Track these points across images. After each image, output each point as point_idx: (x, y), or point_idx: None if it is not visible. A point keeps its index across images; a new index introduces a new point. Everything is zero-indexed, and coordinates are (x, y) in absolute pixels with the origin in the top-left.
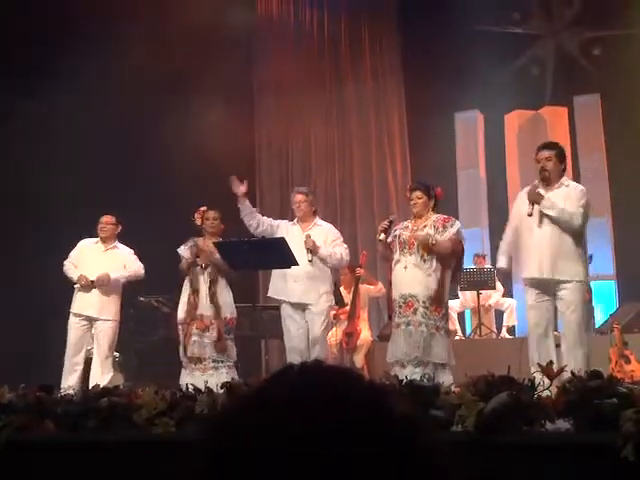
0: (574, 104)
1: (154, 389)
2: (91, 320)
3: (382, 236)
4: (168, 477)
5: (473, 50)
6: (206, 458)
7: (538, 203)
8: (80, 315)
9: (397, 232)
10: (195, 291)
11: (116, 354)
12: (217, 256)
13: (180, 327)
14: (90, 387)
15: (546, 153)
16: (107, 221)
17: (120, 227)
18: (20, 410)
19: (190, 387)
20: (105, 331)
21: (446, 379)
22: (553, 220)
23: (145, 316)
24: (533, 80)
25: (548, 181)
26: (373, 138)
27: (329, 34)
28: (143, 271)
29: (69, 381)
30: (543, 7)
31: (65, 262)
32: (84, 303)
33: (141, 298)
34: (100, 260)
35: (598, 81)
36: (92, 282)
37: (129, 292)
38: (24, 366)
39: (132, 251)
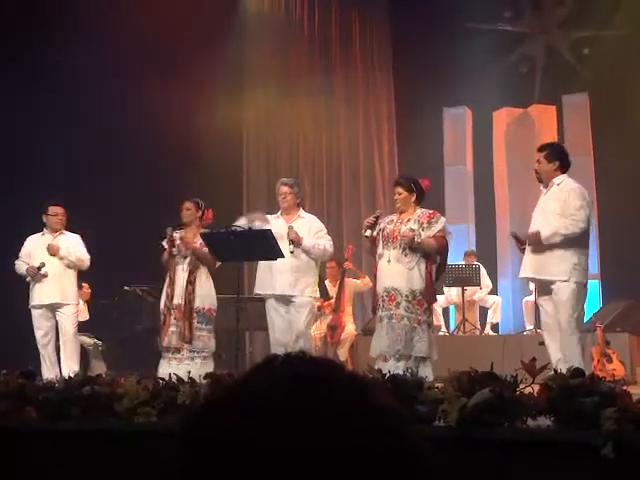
0: (562, 103)
1: (136, 378)
2: (54, 308)
3: (368, 232)
4: (149, 468)
5: (463, 46)
6: (187, 449)
7: (541, 243)
8: (42, 306)
9: (382, 225)
10: (172, 282)
11: (99, 342)
12: (196, 245)
13: (162, 317)
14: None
15: (536, 156)
16: (62, 212)
17: (66, 216)
18: (1, 396)
19: (173, 377)
20: (69, 316)
21: (426, 373)
22: (561, 244)
23: (129, 305)
24: (522, 78)
25: (542, 182)
26: (361, 130)
27: (319, 25)
28: (88, 262)
29: (50, 374)
30: (534, 5)
31: (16, 262)
32: (44, 293)
33: (126, 287)
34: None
35: (587, 80)
36: (38, 269)
37: (114, 280)
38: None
39: (79, 236)
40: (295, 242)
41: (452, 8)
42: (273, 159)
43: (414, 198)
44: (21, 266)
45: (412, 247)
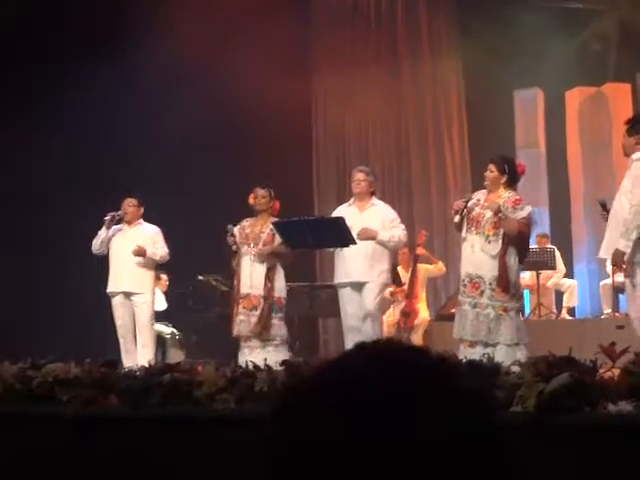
0: (637, 81)
1: (215, 366)
2: (128, 295)
3: (457, 218)
4: (227, 452)
5: (533, 26)
6: (281, 433)
7: (621, 263)
8: (116, 293)
9: (470, 205)
10: (238, 274)
11: (176, 331)
12: (269, 248)
13: (232, 307)
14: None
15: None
16: (137, 204)
17: (142, 208)
18: (85, 385)
19: (250, 364)
20: (143, 305)
21: (520, 357)
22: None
23: (204, 294)
24: (595, 56)
25: (629, 157)
26: (430, 116)
27: (386, 11)
28: (168, 257)
29: (129, 362)
30: None
31: (93, 244)
32: (118, 281)
33: (200, 277)
34: (127, 236)
35: None
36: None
37: (188, 270)
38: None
39: (159, 230)
40: (369, 239)
41: None
42: (342, 146)
43: (504, 179)
44: (97, 239)
45: (496, 214)
